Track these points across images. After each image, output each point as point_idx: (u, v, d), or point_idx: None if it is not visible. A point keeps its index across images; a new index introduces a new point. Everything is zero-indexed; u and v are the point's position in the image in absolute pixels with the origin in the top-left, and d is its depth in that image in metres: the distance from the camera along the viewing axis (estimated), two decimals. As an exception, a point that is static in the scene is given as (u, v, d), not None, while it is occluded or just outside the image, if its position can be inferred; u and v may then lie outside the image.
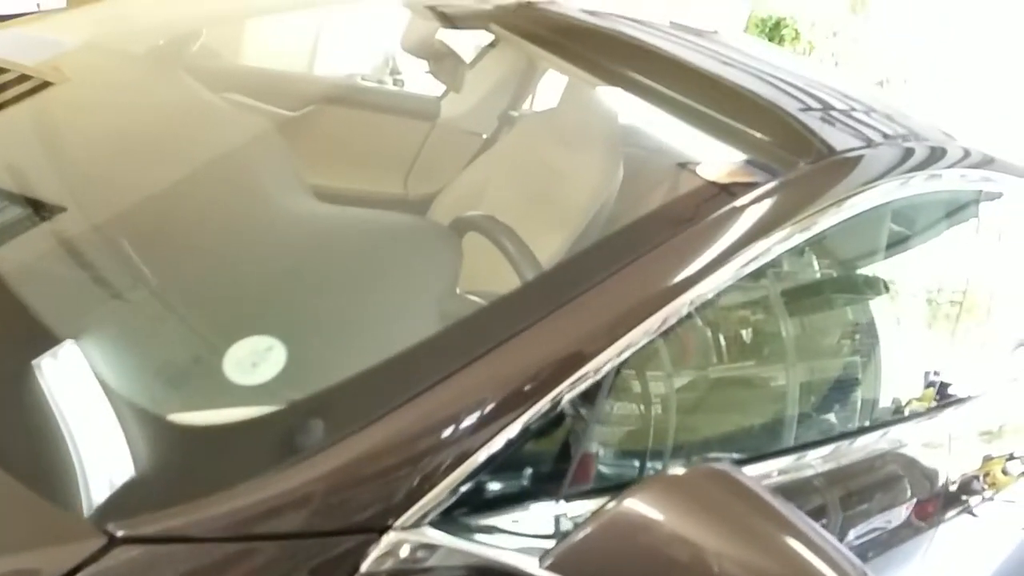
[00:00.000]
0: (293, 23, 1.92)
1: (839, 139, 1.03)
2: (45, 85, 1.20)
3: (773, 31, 5.87)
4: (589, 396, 0.77)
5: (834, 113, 1.14)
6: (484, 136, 1.77)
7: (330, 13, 2.06)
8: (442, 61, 1.62)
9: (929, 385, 1.34)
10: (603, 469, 0.87)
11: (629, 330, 0.77)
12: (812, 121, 1.06)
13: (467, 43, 1.74)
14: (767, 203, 0.90)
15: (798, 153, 0.97)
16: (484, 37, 1.66)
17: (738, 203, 0.89)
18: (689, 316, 0.83)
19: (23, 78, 1.20)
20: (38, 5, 2.25)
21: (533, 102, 1.84)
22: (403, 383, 0.70)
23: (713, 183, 0.93)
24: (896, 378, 1.31)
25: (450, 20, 1.46)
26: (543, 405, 0.72)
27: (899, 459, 1.25)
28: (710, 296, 0.84)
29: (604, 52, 1.22)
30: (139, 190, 0.99)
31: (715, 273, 0.83)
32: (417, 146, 1.72)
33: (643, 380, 0.90)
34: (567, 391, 0.74)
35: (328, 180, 1.38)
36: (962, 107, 5.46)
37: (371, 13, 1.93)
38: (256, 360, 0.75)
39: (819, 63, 5.83)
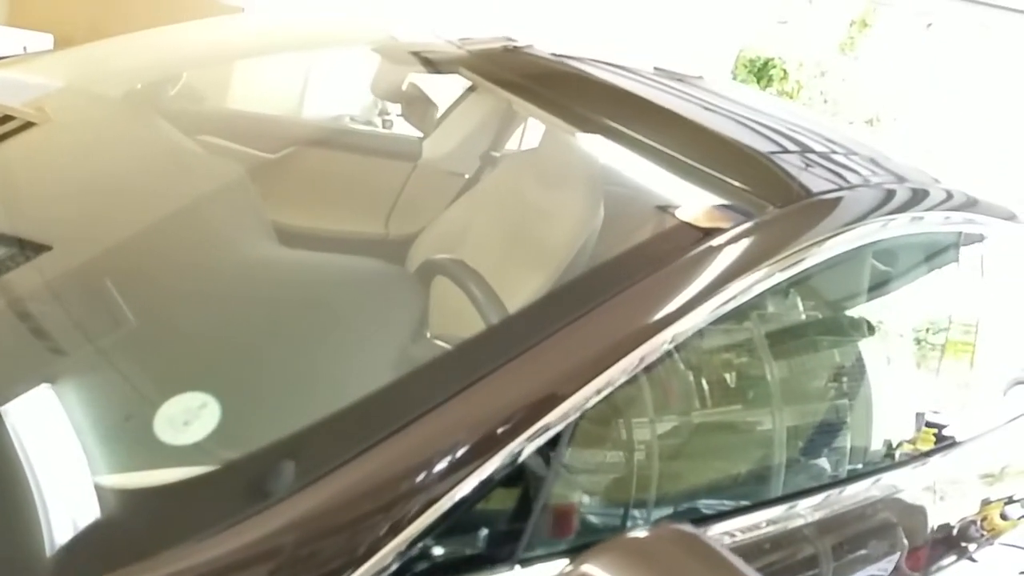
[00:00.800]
0: (277, 66, 1.94)
1: (817, 182, 1.03)
2: (27, 126, 1.20)
3: (761, 71, 5.96)
4: (555, 444, 0.74)
5: (813, 156, 1.14)
6: (466, 176, 1.77)
7: (315, 56, 2.09)
8: (413, 105, 1.63)
9: (920, 428, 1.31)
10: (567, 527, 0.83)
11: (605, 369, 0.75)
12: (790, 165, 1.06)
13: (445, 86, 1.76)
14: (744, 243, 0.90)
15: (775, 195, 0.96)
16: (463, 80, 1.67)
17: (714, 243, 0.88)
18: (669, 357, 0.81)
19: (5, 119, 1.20)
20: (24, 48, 2.28)
21: (521, 142, 1.85)
22: (351, 438, 0.67)
23: (688, 224, 0.92)
24: (887, 421, 1.29)
25: (425, 64, 1.46)
26: (514, 447, 0.69)
27: (893, 505, 1.22)
28: (689, 335, 0.82)
29: (578, 98, 1.21)
30: (91, 238, 0.97)
31: (692, 312, 0.82)
32: (399, 187, 1.71)
33: (627, 426, 0.87)
34: (534, 438, 0.71)
35: (306, 222, 1.37)
36: (952, 144, 5.53)
37: (353, 56, 1.95)
38: (189, 418, 0.72)
39: (807, 102, 5.92)
